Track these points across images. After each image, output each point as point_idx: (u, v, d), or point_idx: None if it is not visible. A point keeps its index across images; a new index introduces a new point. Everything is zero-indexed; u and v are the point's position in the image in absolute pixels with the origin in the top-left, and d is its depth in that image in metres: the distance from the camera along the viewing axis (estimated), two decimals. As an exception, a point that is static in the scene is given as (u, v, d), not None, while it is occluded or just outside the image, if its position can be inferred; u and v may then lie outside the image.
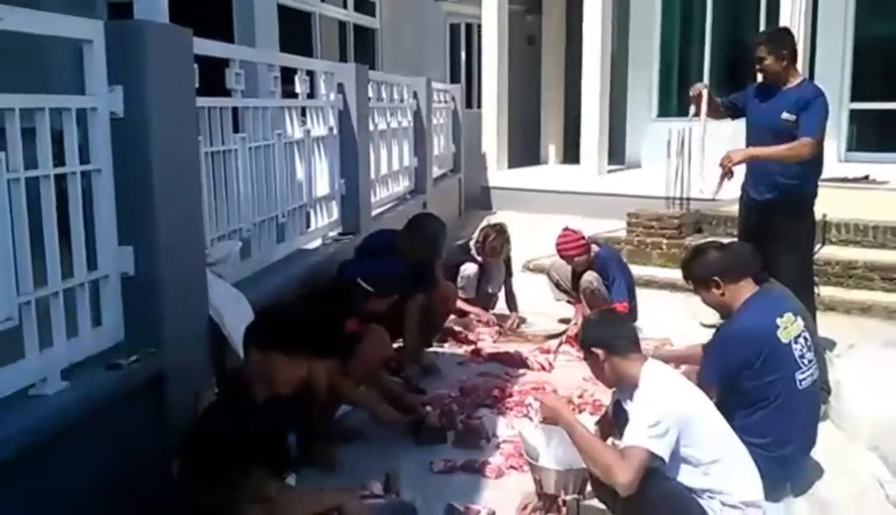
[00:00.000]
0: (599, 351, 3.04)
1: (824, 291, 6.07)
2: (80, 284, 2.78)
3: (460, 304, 5.85)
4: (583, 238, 5.73)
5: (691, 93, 4.95)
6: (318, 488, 3.19)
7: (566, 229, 5.81)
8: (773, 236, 4.66)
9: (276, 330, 2.83)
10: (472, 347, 5.46)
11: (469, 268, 5.99)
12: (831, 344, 4.84)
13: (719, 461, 2.87)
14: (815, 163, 4.66)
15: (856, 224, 7.08)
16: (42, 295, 2.58)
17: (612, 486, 2.77)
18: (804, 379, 3.32)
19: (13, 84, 2.50)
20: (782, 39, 4.73)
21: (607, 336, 3.08)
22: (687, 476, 2.83)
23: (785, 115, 4.55)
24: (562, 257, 5.78)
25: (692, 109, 4.94)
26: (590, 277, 5.67)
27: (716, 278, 3.46)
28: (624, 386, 3.10)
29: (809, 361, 3.37)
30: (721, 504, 2.85)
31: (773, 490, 3.25)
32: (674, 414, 2.81)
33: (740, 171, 4.91)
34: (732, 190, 4.93)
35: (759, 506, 2.92)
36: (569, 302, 6.01)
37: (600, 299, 5.59)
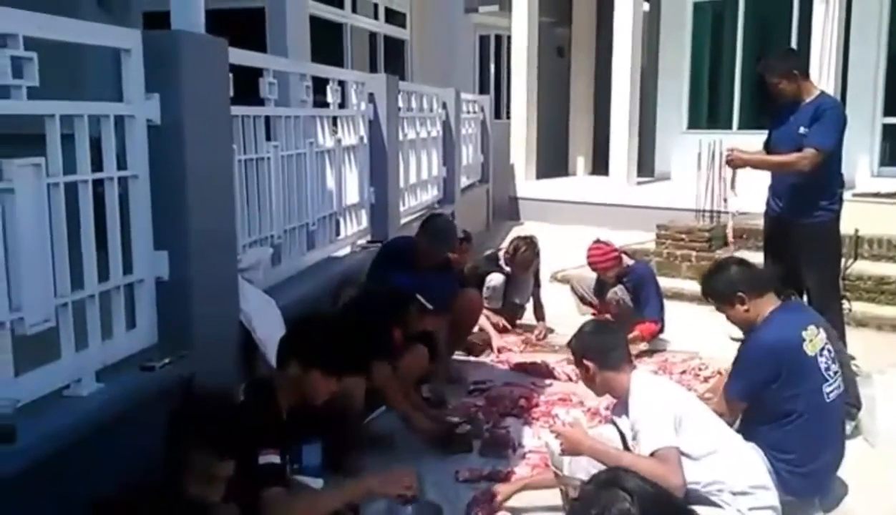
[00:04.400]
0: (591, 365, 3.12)
1: (856, 306, 5.99)
2: (116, 287, 2.84)
3: (485, 314, 5.84)
4: (615, 250, 5.71)
5: (727, 163, 5.00)
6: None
7: (598, 241, 5.79)
8: (797, 250, 4.63)
9: (323, 350, 2.93)
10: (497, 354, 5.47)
11: (495, 279, 5.98)
12: (863, 361, 4.77)
13: (716, 451, 2.93)
14: (832, 174, 4.61)
15: (888, 239, 6.99)
16: (78, 297, 2.64)
17: None
18: (832, 392, 3.28)
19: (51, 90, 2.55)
20: (788, 60, 4.74)
21: (600, 349, 3.14)
22: (687, 471, 2.85)
23: (802, 130, 4.53)
24: (594, 270, 5.76)
25: (725, 182, 5.07)
26: (616, 288, 5.65)
27: (740, 293, 3.39)
28: (617, 398, 3.18)
29: (835, 373, 3.33)
30: (731, 494, 2.89)
31: (803, 506, 3.23)
32: (671, 411, 2.91)
33: (764, 183, 4.90)
34: (758, 202, 4.94)
35: (769, 488, 2.96)
36: (593, 314, 5.97)
37: (626, 312, 5.58)
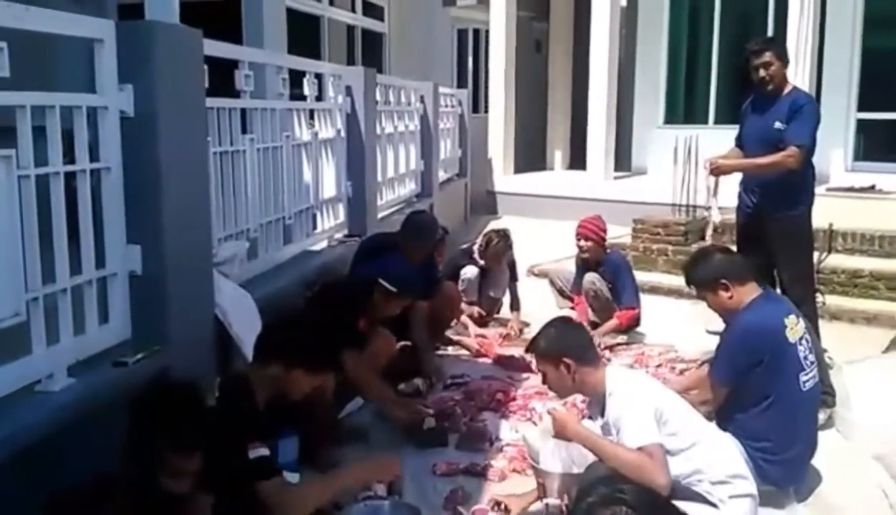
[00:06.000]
0: (570, 362, 3.00)
1: (829, 300, 6.06)
2: (88, 282, 2.81)
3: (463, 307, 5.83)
4: (606, 231, 5.77)
5: (708, 174, 4.90)
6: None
7: (596, 215, 5.86)
8: (771, 244, 4.66)
9: (307, 350, 2.89)
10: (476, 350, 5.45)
11: (469, 272, 5.98)
12: (836, 353, 4.82)
13: (696, 444, 2.93)
14: (805, 169, 4.64)
15: (862, 233, 7.09)
16: (50, 291, 2.60)
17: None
18: (807, 381, 3.32)
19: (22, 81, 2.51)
20: (782, 44, 4.77)
21: (577, 346, 3.06)
22: (671, 465, 2.85)
23: (778, 125, 4.54)
24: (578, 237, 5.75)
25: (709, 190, 5.01)
26: (591, 277, 5.66)
27: (724, 280, 3.42)
28: (589, 397, 3.15)
29: (812, 363, 3.36)
30: (710, 484, 2.90)
31: (778, 496, 3.26)
32: (651, 407, 2.88)
33: (735, 177, 4.91)
34: (731, 197, 4.96)
35: (746, 476, 2.97)
36: (571, 308, 5.99)
37: (603, 301, 5.60)
